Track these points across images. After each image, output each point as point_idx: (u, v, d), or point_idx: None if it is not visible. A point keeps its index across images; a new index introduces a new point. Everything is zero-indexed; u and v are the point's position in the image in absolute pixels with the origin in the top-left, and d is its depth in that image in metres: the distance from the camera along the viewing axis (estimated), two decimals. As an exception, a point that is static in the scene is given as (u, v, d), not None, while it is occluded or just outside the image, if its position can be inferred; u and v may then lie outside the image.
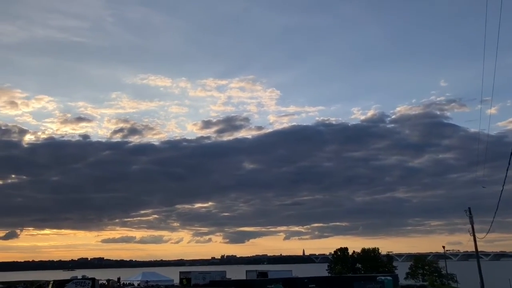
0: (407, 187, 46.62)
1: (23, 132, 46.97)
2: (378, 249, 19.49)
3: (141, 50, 59.76)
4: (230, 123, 49.56)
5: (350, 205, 45.45)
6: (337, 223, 49.10)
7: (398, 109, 53.95)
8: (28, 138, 47.85)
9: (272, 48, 63.32)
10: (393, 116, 49.98)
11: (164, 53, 61.82)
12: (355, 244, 51.19)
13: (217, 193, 46.48)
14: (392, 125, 47.02)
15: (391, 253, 35.61)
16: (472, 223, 9.59)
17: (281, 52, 63.99)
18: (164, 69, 66.73)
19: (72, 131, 52.45)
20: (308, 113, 55.61)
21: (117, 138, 47.63)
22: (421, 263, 16.30)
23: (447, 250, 36.32)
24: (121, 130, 50.43)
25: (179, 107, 58.23)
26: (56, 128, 53.67)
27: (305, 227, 50.07)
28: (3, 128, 44.66)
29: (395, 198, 46.19)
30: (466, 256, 42.18)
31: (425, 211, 45.55)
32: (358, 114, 55.27)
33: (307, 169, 43.78)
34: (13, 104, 50.93)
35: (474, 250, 9.61)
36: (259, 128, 49.75)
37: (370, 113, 51.75)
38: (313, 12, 60.06)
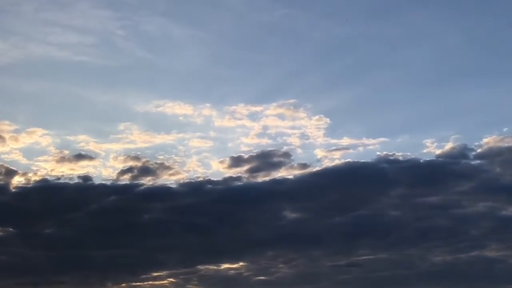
0: (501, 243, 37.34)
1: (11, 173, 40.23)
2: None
3: (156, 70, 52.41)
4: (266, 160, 41.88)
5: (424, 266, 36.75)
6: (409, 290, 40.35)
7: (485, 140, 44.94)
8: (17, 180, 41.14)
9: (320, 65, 53.72)
10: (478, 150, 41.21)
11: (185, 73, 54.12)
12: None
13: (250, 250, 38.65)
14: (478, 161, 38.29)
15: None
16: None
17: (332, 69, 54.23)
18: (185, 93, 58.67)
19: (70, 171, 45.46)
20: (366, 147, 46.66)
21: (125, 180, 40.81)
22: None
23: None
24: (130, 169, 43.52)
25: (202, 140, 50.27)
26: (50, 168, 46.64)
27: (365, 295, 41.43)
28: (-14, 169, 38.38)
29: (485, 258, 36.99)
30: None
31: (526, 275, 36.86)
32: (432, 148, 46.06)
33: (367, 219, 35.40)
34: (-1, 139, 44.55)
35: None
36: (303, 166, 41.75)
37: (448, 146, 42.94)
38: (374, 20, 50.82)
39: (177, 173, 48.70)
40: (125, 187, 38.66)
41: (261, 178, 41.26)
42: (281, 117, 54.64)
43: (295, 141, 51.14)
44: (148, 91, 56.22)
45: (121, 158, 44.67)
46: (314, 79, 56.31)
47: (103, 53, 52.23)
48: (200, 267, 40.63)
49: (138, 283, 43.72)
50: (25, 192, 38.31)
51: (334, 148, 48.90)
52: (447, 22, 51.55)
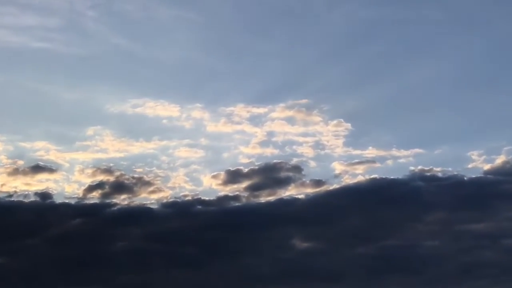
0: None
1: (-50, 189, 36.53)
2: None
3: (135, 61, 46.61)
4: (271, 175, 37.73)
5: (469, 311, 32.79)
6: None
7: (546, 153, 42.01)
8: (-42, 198, 37.58)
9: (340, 57, 47.33)
10: (538, 165, 38.15)
11: (171, 65, 48.20)
12: None
13: (250, 287, 34.60)
14: (537, 179, 34.90)
15: None
16: None
17: (355, 62, 47.47)
18: (170, 90, 52.17)
19: (25, 187, 40.89)
20: (397, 160, 41.64)
21: (94, 198, 37.03)
22: None
23: None
24: (100, 185, 39.39)
25: (191, 150, 45.20)
26: (1, 183, 42.05)
27: None
28: None
29: (545, 301, 32.86)
30: None
31: None
32: (479, 162, 41.33)
33: (397, 250, 32.04)
34: None
35: None
36: (318, 183, 37.51)
37: (499, 159, 39.03)
38: (411, 3, 44.97)
39: (159, 190, 43.00)
40: (93, 208, 34.78)
41: (265, 197, 36.48)
42: (290, 121, 48.39)
43: (307, 151, 45.03)
44: (125, 87, 49.74)
45: (89, 171, 39.33)
46: (333, 75, 48.75)
47: (69, 39, 45.84)
48: (188, 308, 36.74)
49: (109, 329, 39.26)
50: (-32, 212, 34.18)
51: (356, 161, 42.97)
52: (504, 5, 44.74)
